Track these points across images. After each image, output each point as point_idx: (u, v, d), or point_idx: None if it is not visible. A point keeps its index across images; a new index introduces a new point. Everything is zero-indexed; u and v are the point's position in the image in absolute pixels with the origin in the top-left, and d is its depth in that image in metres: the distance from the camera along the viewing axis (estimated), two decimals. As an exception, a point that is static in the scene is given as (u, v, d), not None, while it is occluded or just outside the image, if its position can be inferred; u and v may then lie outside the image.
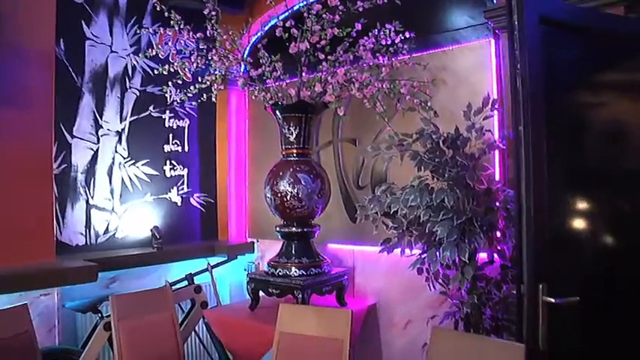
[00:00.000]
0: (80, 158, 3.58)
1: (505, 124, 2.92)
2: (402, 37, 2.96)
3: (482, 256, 2.69)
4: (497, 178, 2.93)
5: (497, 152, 2.94)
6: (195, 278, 3.73)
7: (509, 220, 2.61)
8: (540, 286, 1.96)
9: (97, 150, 3.67)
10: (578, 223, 2.33)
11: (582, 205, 2.33)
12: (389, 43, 2.98)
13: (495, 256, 2.69)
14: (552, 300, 1.94)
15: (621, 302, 2.32)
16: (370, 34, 2.99)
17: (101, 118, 3.69)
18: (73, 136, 3.54)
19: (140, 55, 3.77)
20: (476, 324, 2.62)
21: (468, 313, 2.63)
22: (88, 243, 3.62)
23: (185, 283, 3.69)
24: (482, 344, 2.23)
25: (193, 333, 3.75)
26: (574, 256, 2.27)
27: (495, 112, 2.85)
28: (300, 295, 3.03)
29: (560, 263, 2.14)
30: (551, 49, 2.09)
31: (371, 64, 3.02)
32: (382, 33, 2.97)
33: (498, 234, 2.67)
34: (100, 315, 3.23)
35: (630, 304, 2.37)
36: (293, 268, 3.15)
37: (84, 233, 3.59)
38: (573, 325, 2.08)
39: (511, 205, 2.57)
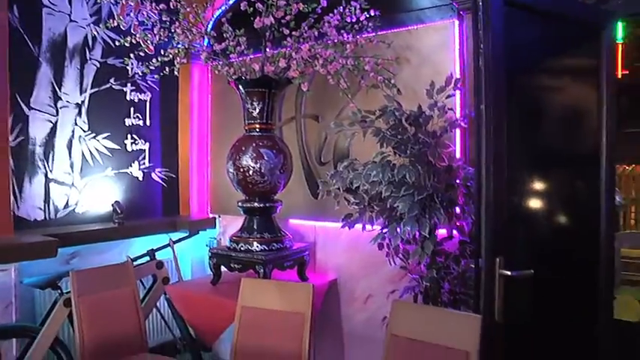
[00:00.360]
0: (38, 131, 3.48)
1: (467, 103, 2.98)
2: (367, 15, 2.97)
3: (442, 232, 2.77)
4: (458, 155, 2.99)
5: (458, 130, 3.00)
6: (156, 254, 3.71)
7: (469, 196, 2.68)
8: (497, 259, 2.04)
9: (56, 122, 3.57)
10: (535, 201, 2.41)
11: (539, 183, 2.41)
12: (354, 20, 2.98)
13: (454, 231, 2.77)
14: (508, 273, 2.03)
15: (573, 277, 2.43)
16: (335, 10, 2.98)
17: (60, 89, 3.58)
18: (30, 108, 3.43)
19: (101, 25, 3.67)
20: (434, 298, 2.70)
21: (427, 287, 2.70)
22: (47, 218, 3.54)
23: (147, 258, 3.67)
24: (440, 316, 2.30)
25: (155, 309, 3.75)
26: (530, 232, 2.36)
27: (457, 91, 2.91)
28: (262, 270, 3.06)
29: (517, 238, 2.23)
30: (514, 30, 2.14)
31: (335, 40, 3.02)
32: (347, 10, 2.97)
33: (458, 210, 2.74)
34: (59, 291, 3.18)
35: (580, 279, 2.48)
36: (255, 243, 3.17)
37: (42, 208, 3.51)
38: (528, 298, 2.17)
39: (471, 182, 2.64)
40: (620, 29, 5.61)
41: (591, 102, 2.48)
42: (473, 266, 2.19)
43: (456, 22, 3.06)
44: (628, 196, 7.59)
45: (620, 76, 6.97)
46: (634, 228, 7.21)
